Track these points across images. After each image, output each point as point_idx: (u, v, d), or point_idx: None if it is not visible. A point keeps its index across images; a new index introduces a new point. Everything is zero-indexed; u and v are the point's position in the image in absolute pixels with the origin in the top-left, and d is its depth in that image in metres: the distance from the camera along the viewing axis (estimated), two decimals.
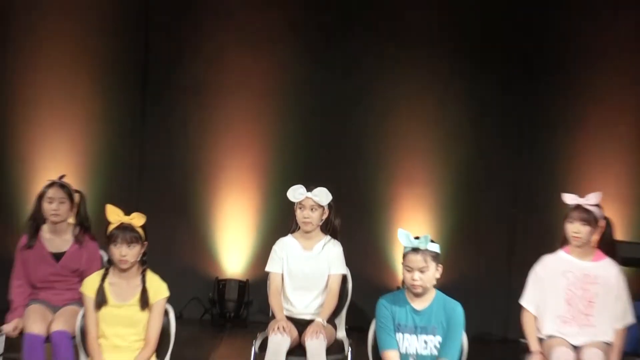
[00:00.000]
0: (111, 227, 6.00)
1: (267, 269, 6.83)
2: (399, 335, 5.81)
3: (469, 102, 9.18)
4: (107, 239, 6.02)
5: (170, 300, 6.10)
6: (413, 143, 9.20)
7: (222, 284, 9.21)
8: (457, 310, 5.84)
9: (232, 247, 9.31)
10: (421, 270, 5.76)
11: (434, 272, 5.79)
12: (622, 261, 6.76)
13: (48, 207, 6.62)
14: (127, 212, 6.04)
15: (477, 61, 9.12)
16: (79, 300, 6.28)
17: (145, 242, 6.04)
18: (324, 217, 6.78)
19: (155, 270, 6.11)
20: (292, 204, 6.76)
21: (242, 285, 9.20)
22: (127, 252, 5.96)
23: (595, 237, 6.47)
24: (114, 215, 6.02)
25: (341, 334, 6.85)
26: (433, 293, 5.85)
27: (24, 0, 9.30)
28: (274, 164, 9.23)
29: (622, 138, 9.02)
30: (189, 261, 9.25)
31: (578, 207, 6.45)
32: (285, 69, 9.28)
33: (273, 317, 6.70)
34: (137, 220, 6.02)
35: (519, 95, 9.10)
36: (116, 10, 9.39)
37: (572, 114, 9.06)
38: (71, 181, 6.88)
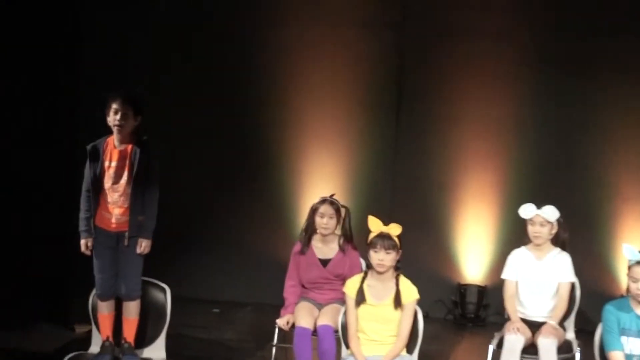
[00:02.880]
0: (371, 235, 6.06)
1: (503, 276, 6.78)
2: (623, 338, 5.67)
3: None
4: (367, 245, 6.09)
5: (418, 301, 6.10)
6: (634, 164, 8.93)
7: (463, 289, 9.17)
8: None
9: (472, 256, 9.23)
10: None
11: None
12: None
13: (320, 221, 6.72)
14: (384, 223, 6.10)
15: None
16: (341, 299, 6.36)
17: (400, 250, 6.07)
18: (553, 231, 6.67)
19: (406, 275, 6.14)
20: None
21: (481, 290, 9.11)
22: (384, 257, 6.00)
23: None
24: (375, 225, 6.08)
25: (570, 335, 6.74)
26: None
27: (293, 36, 9.44)
28: (510, 182, 9.06)
29: None
30: (434, 267, 9.19)
31: None
32: (522, 100, 9.16)
33: (508, 318, 6.63)
34: (394, 230, 6.06)
35: None
36: (375, 54, 9.42)
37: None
38: (337, 196, 6.94)
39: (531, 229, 6.67)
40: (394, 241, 6.03)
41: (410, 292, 6.06)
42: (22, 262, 8.13)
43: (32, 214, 8.34)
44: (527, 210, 6.68)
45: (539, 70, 9.09)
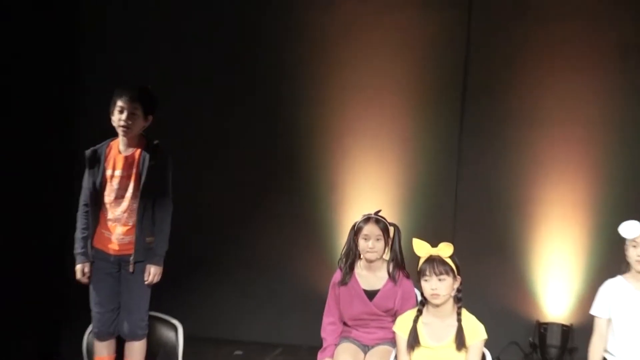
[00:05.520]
0: (420, 262, 6.07)
1: (592, 312, 6.72)
2: None
3: None
4: (418, 275, 6.10)
5: (486, 343, 6.08)
6: None
7: (543, 328, 9.13)
8: None
9: (554, 288, 9.20)
10: None
11: None
12: None
13: (364, 245, 6.67)
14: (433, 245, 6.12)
15: None
16: (391, 340, 6.37)
17: (458, 277, 6.05)
18: None
19: (471, 310, 6.12)
20: (623, 242, 6.63)
21: (565, 330, 9.07)
22: (437, 286, 6.00)
23: None
24: (421, 248, 6.11)
25: None
26: None
27: (335, 21, 9.49)
28: (603, 197, 9.04)
29: None
30: (507, 302, 9.20)
31: None
32: (613, 96, 9.10)
33: None
34: (445, 250, 6.07)
35: None
36: (436, 40, 9.44)
37: None
38: (385, 213, 6.91)
39: (633, 252, 6.61)
40: (447, 264, 6.03)
41: (476, 330, 6.03)
42: (2, 293, 8.15)
43: (18, 233, 8.35)
44: (630, 229, 6.61)
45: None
